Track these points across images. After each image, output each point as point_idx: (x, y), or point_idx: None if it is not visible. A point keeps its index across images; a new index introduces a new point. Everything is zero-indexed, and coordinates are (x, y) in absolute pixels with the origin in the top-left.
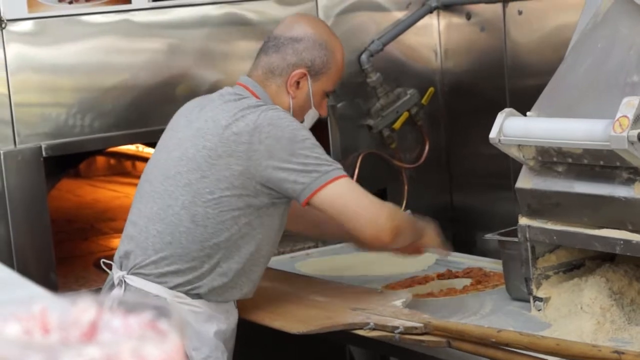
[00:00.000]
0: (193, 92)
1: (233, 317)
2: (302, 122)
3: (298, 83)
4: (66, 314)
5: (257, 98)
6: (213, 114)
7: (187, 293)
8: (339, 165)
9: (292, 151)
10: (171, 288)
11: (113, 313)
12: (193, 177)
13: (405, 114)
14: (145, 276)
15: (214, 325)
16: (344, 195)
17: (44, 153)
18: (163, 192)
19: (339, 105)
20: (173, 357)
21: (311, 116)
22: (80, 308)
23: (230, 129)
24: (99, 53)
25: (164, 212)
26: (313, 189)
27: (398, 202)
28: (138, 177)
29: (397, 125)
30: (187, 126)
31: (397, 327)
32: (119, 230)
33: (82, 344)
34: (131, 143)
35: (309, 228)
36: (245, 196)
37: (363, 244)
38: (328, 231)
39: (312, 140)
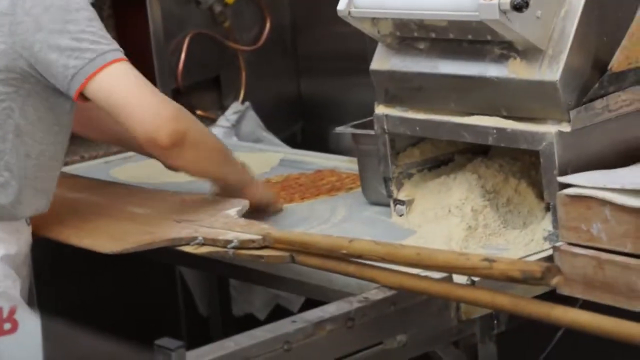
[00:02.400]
0: None
1: (24, 239)
2: None
3: None
4: None
5: None
6: None
7: None
8: (118, 47)
9: (63, 22)
10: None
11: None
12: None
13: None
14: None
15: (0, 249)
16: (121, 82)
17: None
18: None
19: None
20: None
21: None
22: None
23: None
24: None
25: None
26: (87, 74)
27: (234, 92)
28: None
29: None
30: None
31: (231, 241)
32: None
33: None
34: None
35: (95, 131)
36: (13, 80)
37: (140, 148)
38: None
39: (88, 11)
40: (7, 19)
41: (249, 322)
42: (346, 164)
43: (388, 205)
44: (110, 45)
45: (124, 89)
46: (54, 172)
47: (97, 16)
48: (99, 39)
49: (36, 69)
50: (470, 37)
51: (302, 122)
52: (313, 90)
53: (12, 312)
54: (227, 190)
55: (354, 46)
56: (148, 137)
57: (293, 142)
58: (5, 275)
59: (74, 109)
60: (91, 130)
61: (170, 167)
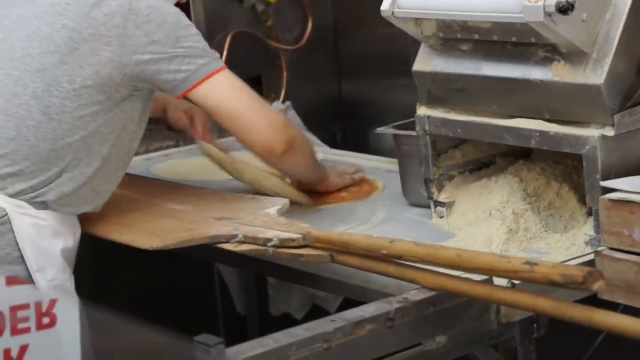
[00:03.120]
0: None
1: (78, 234)
2: None
3: None
4: None
5: None
6: None
7: (31, 202)
8: (219, 56)
9: (176, 38)
10: (12, 196)
11: None
12: (49, 62)
13: None
14: None
15: (60, 242)
16: (233, 92)
17: None
18: (5, 78)
19: None
20: None
21: None
22: None
23: (99, 8)
24: None
25: (7, 102)
26: (197, 79)
27: (275, 91)
28: None
29: None
30: (30, 1)
31: (271, 240)
32: None
33: None
34: None
35: None
36: (109, 88)
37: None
38: None
39: (195, 29)
40: (117, 31)
41: (286, 322)
42: (386, 165)
43: (428, 207)
44: (216, 55)
45: (237, 100)
46: (120, 174)
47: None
48: (206, 50)
49: (139, 77)
50: (514, 39)
51: (343, 123)
52: (354, 91)
53: (52, 306)
54: (308, 184)
55: (396, 47)
56: (266, 147)
57: (333, 142)
58: (64, 269)
59: (147, 110)
60: None
61: (277, 169)
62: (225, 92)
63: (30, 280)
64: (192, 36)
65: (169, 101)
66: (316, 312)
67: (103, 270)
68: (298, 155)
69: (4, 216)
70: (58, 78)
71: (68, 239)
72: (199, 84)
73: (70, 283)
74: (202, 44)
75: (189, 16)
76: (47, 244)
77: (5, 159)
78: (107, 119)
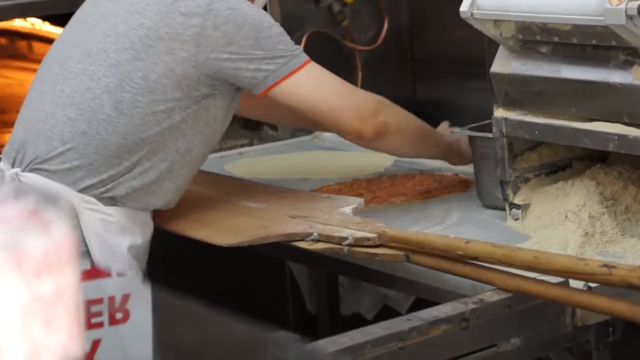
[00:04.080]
0: None
1: (149, 232)
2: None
3: None
4: None
5: None
6: None
7: (99, 197)
8: (302, 50)
9: (255, 40)
10: (80, 191)
11: None
12: (123, 58)
13: None
14: (48, 173)
15: (127, 238)
16: (320, 84)
17: None
18: (81, 72)
19: None
20: (58, 251)
21: (262, 1)
22: None
23: (177, 7)
24: None
25: (81, 96)
26: (278, 77)
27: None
28: (35, 60)
29: None
30: (113, 0)
31: (346, 238)
32: (11, 125)
33: None
34: (23, 16)
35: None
36: (186, 86)
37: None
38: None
39: (277, 26)
40: (194, 31)
41: (357, 321)
42: (460, 167)
43: (503, 209)
44: (298, 50)
45: (320, 93)
46: (194, 171)
47: (284, 30)
48: (288, 48)
49: (216, 76)
50: (594, 42)
51: None
52: (428, 92)
53: (125, 301)
54: (445, 158)
55: (471, 49)
56: (355, 135)
57: None
58: (130, 266)
59: (231, 109)
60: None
61: (377, 151)
62: (308, 86)
63: (104, 274)
64: (273, 36)
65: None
66: (386, 312)
67: (175, 267)
68: (394, 138)
69: (72, 211)
70: (131, 73)
71: (136, 236)
72: (279, 82)
73: (137, 279)
74: (285, 43)
75: None
76: (113, 239)
77: (75, 152)
78: (185, 115)
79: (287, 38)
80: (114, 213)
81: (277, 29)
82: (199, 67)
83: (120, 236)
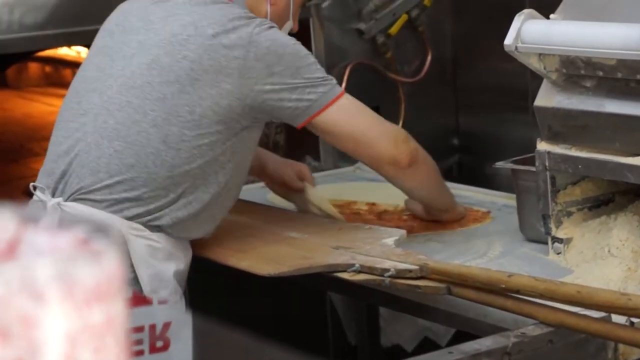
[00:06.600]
0: None
1: (189, 257)
2: None
3: None
4: None
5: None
6: (192, 19)
7: (146, 225)
8: (336, 82)
9: (296, 69)
10: (128, 218)
11: (38, 229)
12: (169, 91)
13: (404, 17)
14: (94, 203)
15: (172, 264)
16: (356, 114)
17: None
18: (125, 105)
19: (324, 4)
20: (109, 281)
21: (287, 29)
22: None
23: (219, 40)
24: None
25: (127, 129)
26: (320, 106)
27: (393, 123)
28: None
29: (393, 30)
30: (149, 28)
31: (388, 270)
32: None
33: None
34: (68, 45)
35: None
36: (229, 119)
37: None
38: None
39: (312, 55)
40: (237, 63)
41: (397, 353)
42: (503, 200)
43: (545, 243)
44: (334, 81)
45: (357, 121)
46: (232, 201)
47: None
48: (325, 77)
49: (260, 108)
50: (638, 77)
51: (459, 156)
52: (471, 124)
53: (166, 329)
54: (432, 212)
55: (514, 82)
56: (391, 160)
57: (449, 174)
58: (176, 291)
59: (257, 140)
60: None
61: (404, 188)
62: (346, 115)
63: (146, 302)
64: (310, 65)
65: (267, 160)
66: (427, 345)
67: (215, 295)
68: (423, 169)
69: (121, 239)
70: (177, 107)
71: (180, 262)
72: (321, 111)
73: (181, 305)
74: (321, 72)
75: (309, 46)
76: (160, 265)
77: (123, 184)
78: (225, 147)
79: (321, 67)
80: (160, 239)
81: (312, 57)
82: (243, 99)
83: (167, 262)
